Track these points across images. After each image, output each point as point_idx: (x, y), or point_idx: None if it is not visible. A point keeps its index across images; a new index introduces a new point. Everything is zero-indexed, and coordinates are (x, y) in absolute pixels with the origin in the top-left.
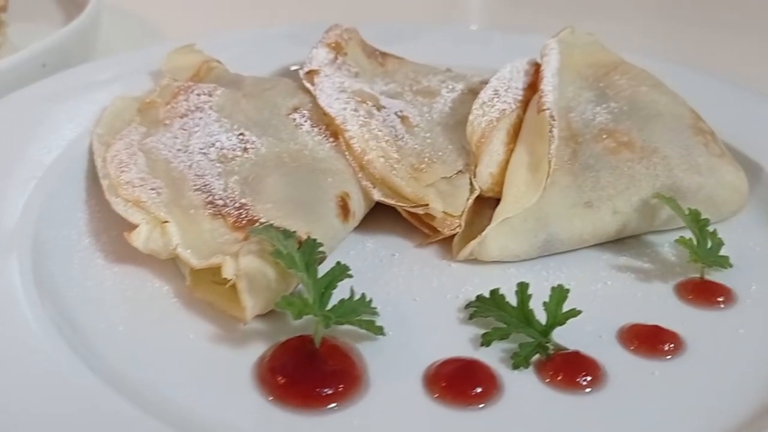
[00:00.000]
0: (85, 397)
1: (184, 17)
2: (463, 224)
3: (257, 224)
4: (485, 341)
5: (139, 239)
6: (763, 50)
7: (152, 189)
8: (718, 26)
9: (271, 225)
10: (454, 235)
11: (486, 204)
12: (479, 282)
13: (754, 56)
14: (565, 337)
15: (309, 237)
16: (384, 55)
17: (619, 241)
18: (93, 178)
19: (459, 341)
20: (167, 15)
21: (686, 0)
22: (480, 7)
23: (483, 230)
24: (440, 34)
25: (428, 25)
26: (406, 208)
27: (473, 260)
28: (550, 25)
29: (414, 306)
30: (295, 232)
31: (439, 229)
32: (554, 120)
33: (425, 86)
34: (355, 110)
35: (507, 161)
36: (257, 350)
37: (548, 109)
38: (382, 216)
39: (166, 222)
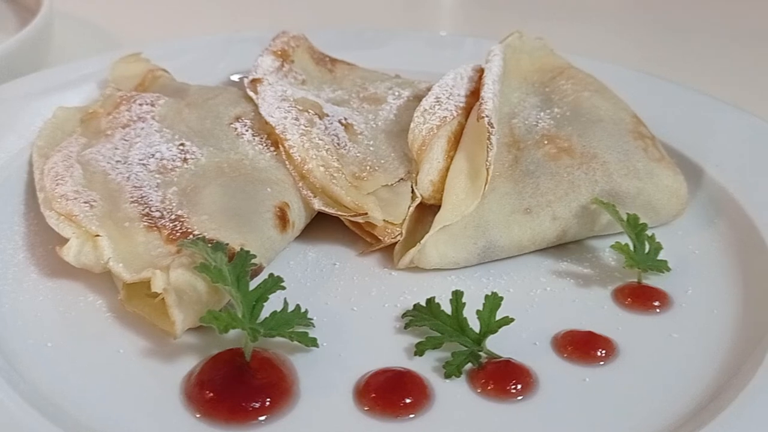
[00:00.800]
0: (6, 417)
1: (139, 24)
2: (404, 232)
3: (191, 236)
4: (418, 351)
5: (69, 254)
6: (726, 53)
7: (85, 202)
8: (682, 30)
9: (202, 238)
10: (396, 243)
11: (428, 211)
12: (419, 290)
13: (716, 59)
14: (500, 344)
15: (242, 249)
16: (333, 61)
17: (561, 247)
18: (32, 191)
19: (394, 351)
20: (122, 22)
21: (661, 4)
22: (452, 12)
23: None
24: (409, 40)
25: (396, 31)
26: (346, 217)
27: (414, 268)
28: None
29: (352, 316)
30: (227, 244)
31: (380, 237)
32: (492, 128)
33: (372, 93)
34: (296, 119)
35: (447, 169)
36: (188, 364)
37: (487, 116)
38: (325, 225)
39: (98, 236)
